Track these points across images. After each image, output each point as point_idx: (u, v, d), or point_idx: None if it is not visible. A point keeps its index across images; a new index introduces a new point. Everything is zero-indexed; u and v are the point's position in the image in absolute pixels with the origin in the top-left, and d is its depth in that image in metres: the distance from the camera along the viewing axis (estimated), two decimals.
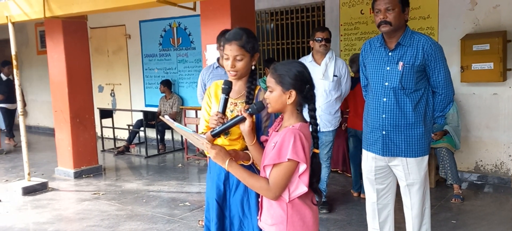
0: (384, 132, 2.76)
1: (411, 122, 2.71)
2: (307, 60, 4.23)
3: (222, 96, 2.14)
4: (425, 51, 2.64)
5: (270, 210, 1.92)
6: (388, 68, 2.72)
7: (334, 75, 4.17)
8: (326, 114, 4.18)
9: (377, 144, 2.80)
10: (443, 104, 2.77)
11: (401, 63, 2.67)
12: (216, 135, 2.06)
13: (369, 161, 2.89)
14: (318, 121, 4.02)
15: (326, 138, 4.23)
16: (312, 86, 1.90)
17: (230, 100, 2.26)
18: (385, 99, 2.74)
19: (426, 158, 2.79)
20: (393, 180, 2.91)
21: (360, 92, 4.55)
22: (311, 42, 4.27)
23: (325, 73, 4.14)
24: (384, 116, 2.75)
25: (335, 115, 4.25)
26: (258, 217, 2.04)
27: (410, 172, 2.77)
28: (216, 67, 3.98)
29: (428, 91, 2.75)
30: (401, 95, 2.70)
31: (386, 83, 2.73)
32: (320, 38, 4.13)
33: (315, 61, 4.20)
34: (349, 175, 5.40)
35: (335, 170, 5.41)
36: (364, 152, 2.94)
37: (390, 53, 2.72)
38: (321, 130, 4.17)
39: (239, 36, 2.21)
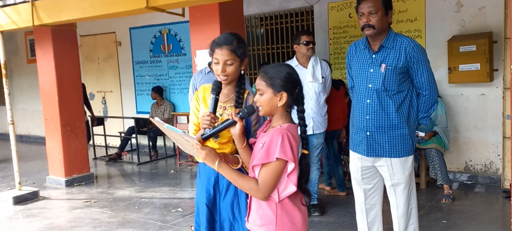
0: (368, 133, 2.81)
1: (394, 123, 2.75)
2: (292, 64, 4.20)
3: (212, 96, 2.15)
4: (408, 53, 2.68)
5: (259, 211, 1.93)
6: (371, 70, 2.77)
7: (322, 77, 4.20)
8: (318, 116, 4.20)
9: (362, 145, 2.85)
10: (428, 105, 2.81)
11: (383, 65, 2.71)
12: (206, 139, 2.07)
13: (356, 161, 2.94)
14: (311, 124, 4.11)
15: (318, 140, 4.25)
16: (301, 88, 1.94)
17: (219, 103, 2.27)
18: (368, 100, 2.78)
19: (410, 158, 2.82)
20: (380, 180, 2.95)
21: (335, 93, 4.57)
22: (295, 46, 4.23)
23: (314, 75, 4.15)
24: (368, 117, 2.79)
25: (325, 117, 4.28)
26: (245, 218, 2.05)
27: (395, 172, 2.81)
28: (208, 72, 3.99)
29: (411, 92, 2.80)
30: (384, 97, 2.74)
31: (370, 85, 2.77)
32: (307, 42, 4.14)
33: (301, 65, 4.19)
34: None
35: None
36: (350, 152, 2.99)
37: (373, 56, 2.77)
38: (314, 132, 4.18)
39: (230, 41, 2.22)
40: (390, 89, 2.72)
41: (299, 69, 4.15)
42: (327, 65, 4.29)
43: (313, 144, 4.24)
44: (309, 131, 4.14)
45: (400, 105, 2.75)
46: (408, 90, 2.78)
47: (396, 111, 2.74)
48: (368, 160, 2.87)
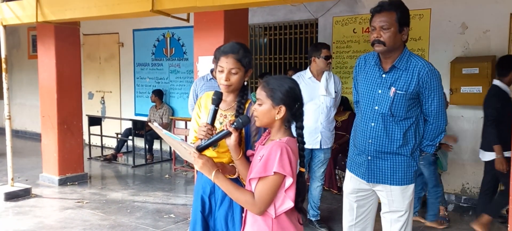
0: (369, 157, 2.61)
1: (398, 150, 2.55)
2: (305, 76, 4.10)
3: (211, 107, 2.12)
4: (421, 78, 2.46)
5: (254, 225, 1.89)
6: (379, 91, 2.55)
7: (335, 92, 4.11)
8: (327, 131, 4.10)
9: (362, 168, 2.65)
10: (434, 134, 2.60)
11: (393, 89, 2.50)
12: (201, 150, 2.03)
13: (353, 182, 2.75)
14: (319, 138, 4.04)
15: (325, 155, 4.17)
16: (301, 104, 1.90)
17: (220, 111, 2.25)
18: (373, 124, 2.57)
19: (411, 186, 2.63)
20: (374, 202, 2.77)
21: None
22: (313, 58, 4.08)
23: (327, 89, 4.05)
24: (371, 141, 2.59)
25: (332, 132, 4.21)
26: None
27: (394, 200, 2.62)
28: (210, 79, 3.96)
29: (419, 119, 2.59)
30: (390, 122, 2.53)
31: (376, 107, 2.56)
32: (327, 56, 4.02)
33: (315, 77, 4.09)
34: (336, 192, 5.39)
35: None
36: (347, 172, 2.81)
37: (383, 75, 2.55)
38: (321, 147, 4.09)
39: (236, 49, 2.21)
40: (397, 115, 2.51)
41: (312, 82, 4.06)
42: (339, 80, 4.21)
43: (319, 158, 4.16)
44: (317, 146, 4.07)
45: (406, 132, 2.54)
46: (416, 117, 2.57)
47: (401, 138, 2.53)
48: (367, 183, 2.69)
